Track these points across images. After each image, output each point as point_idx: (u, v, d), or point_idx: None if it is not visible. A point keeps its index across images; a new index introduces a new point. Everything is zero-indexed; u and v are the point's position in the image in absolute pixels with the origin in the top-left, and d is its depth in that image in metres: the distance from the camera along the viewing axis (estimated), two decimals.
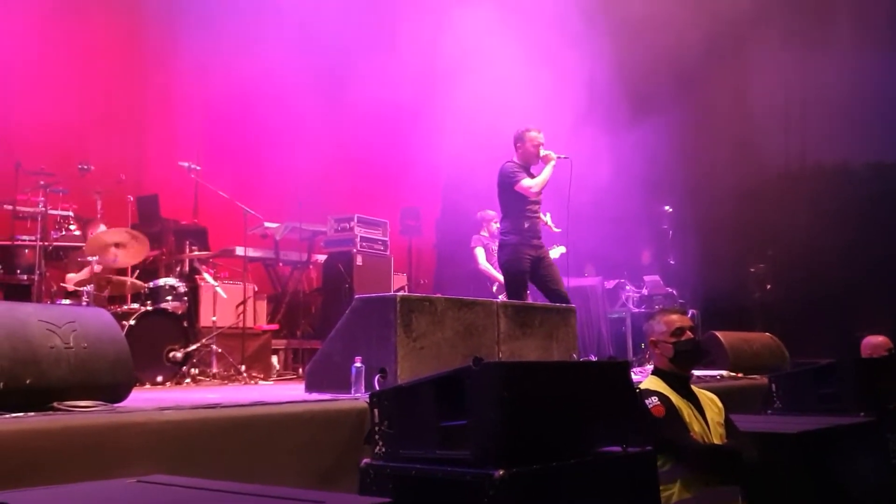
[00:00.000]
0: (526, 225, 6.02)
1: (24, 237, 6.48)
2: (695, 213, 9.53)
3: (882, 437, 4.30)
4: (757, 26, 9.68)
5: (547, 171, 6.04)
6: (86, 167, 6.78)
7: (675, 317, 3.60)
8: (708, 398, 3.57)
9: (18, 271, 6.33)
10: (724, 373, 6.12)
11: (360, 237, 8.00)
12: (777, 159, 9.75)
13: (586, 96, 8.84)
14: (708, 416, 3.45)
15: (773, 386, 4.87)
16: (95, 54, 8.53)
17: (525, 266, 5.96)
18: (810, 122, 9.93)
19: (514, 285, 6.01)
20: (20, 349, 3.00)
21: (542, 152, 6.07)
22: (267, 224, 7.70)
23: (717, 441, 3.41)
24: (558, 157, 6.07)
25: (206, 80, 9.26)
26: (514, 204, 6.05)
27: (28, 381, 2.97)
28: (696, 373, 4.14)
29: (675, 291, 8.73)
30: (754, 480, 3.37)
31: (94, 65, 8.47)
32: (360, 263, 7.89)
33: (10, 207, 6.51)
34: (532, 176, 6.10)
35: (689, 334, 3.55)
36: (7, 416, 2.77)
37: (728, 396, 3.70)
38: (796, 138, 10.09)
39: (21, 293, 6.16)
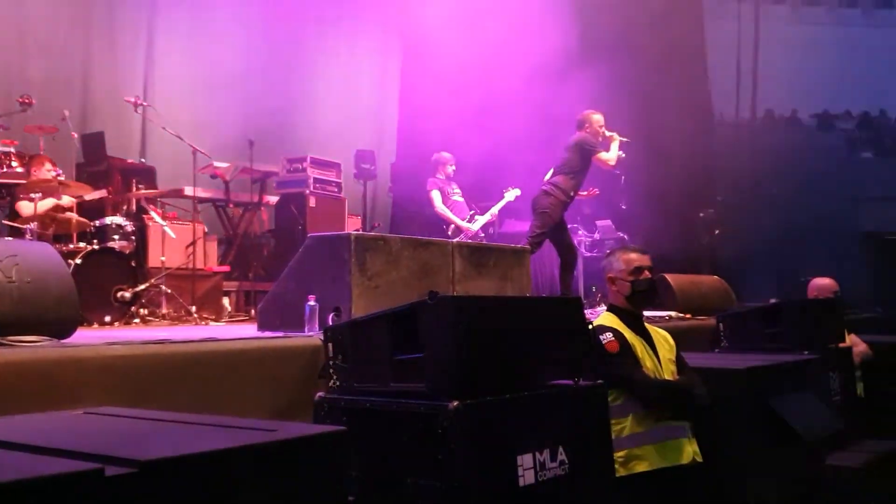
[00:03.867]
0: (573, 193, 6.66)
1: None
2: (646, 160, 9.57)
3: (824, 374, 4.44)
4: None
5: (615, 149, 6.63)
6: (27, 102, 6.50)
7: (634, 255, 3.60)
8: (660, 335, 3.61)
9: None
10: (673, 314, 6.24)
11: (314, 178, 7.89)
12: (728, 107, 9.83)
13: (539, 39, 8.75)
14: (660, 353, 3.50)
15: (721, 326, 4.95)
16: None
17: (556, 220, 6.63)
18: (763, 73, 10.02)
19: (541, 230, 6.59)
20: None
21: (607, 133, 6.66)
22: (217, 164, 7.50)
23: (668, 377, 3.46)
24: (622, 140, 6.64)
25: (154, 12, 8.92)
26: (580, 169, 6.64)
27: None
28: (646, 313, 4.23)
29: (625, 236, 8.82)
30: (702, 416, 3.43)
31: None
32: (314, 205, 7.80)
33: None
34: None
35: (647, 274, 3.57)
36: None
37: (677, 336, 3.73)
38: (748, 87, 10.18)
39: None
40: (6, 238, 5.65)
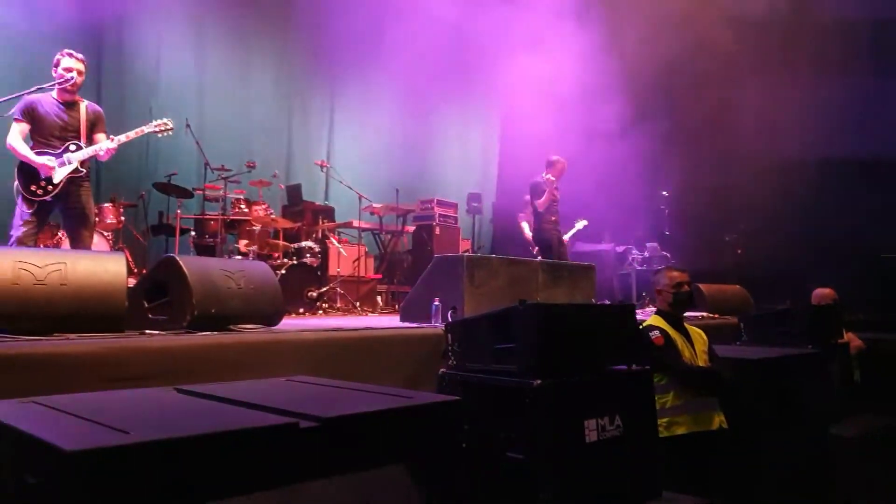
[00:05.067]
0: (546, 224, 6.27)
1: (211, 213, 6.70)
2: (685, 197, 9.13)
3: (826, 365, 4.09)
4: (735, 54, 9.10)
5: (548, 193, 6.16)
6: (252, 165, 6.94)
7: (676, 273, 3.50)
8: (696, 332, 3.46)
9: (207, 236, 6.54)
10: (704, 314, 5.90)
11: (439, 214, 8.00)
12: (749, 156, 9.20)
13: (600, 106, 8.52)
14: (696, 346, 3.36)
15: (742, 325, 4.66)
16: (259, 81, 8.64)
17: (553, 247, 6.26)
18: (778, 128, 9.31)
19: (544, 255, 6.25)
20: (208, 289, 3.11)
21: (545, 176, 6.17)
22: (374, 204, 7.76)
23: (702, 364, 3.32)
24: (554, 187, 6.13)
25: (335, 101, 9.35)
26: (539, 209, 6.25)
27: (213, 311, 3.09)
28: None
29: (668, 254, 8.42)
30: (727, 394, 3.27)
31: (256, 88, 8.59)
32: (438, 233, 7.90)
33: (201, 192, 6.74)
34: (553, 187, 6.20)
35: (686, 287, 3.44)
36: (199, 334, 2.89)
37: (706, 331, 3.56)
38: (765, 140, 9.48)
39: (208, 251, 6.38)
40: (237, 258, 6.06)
